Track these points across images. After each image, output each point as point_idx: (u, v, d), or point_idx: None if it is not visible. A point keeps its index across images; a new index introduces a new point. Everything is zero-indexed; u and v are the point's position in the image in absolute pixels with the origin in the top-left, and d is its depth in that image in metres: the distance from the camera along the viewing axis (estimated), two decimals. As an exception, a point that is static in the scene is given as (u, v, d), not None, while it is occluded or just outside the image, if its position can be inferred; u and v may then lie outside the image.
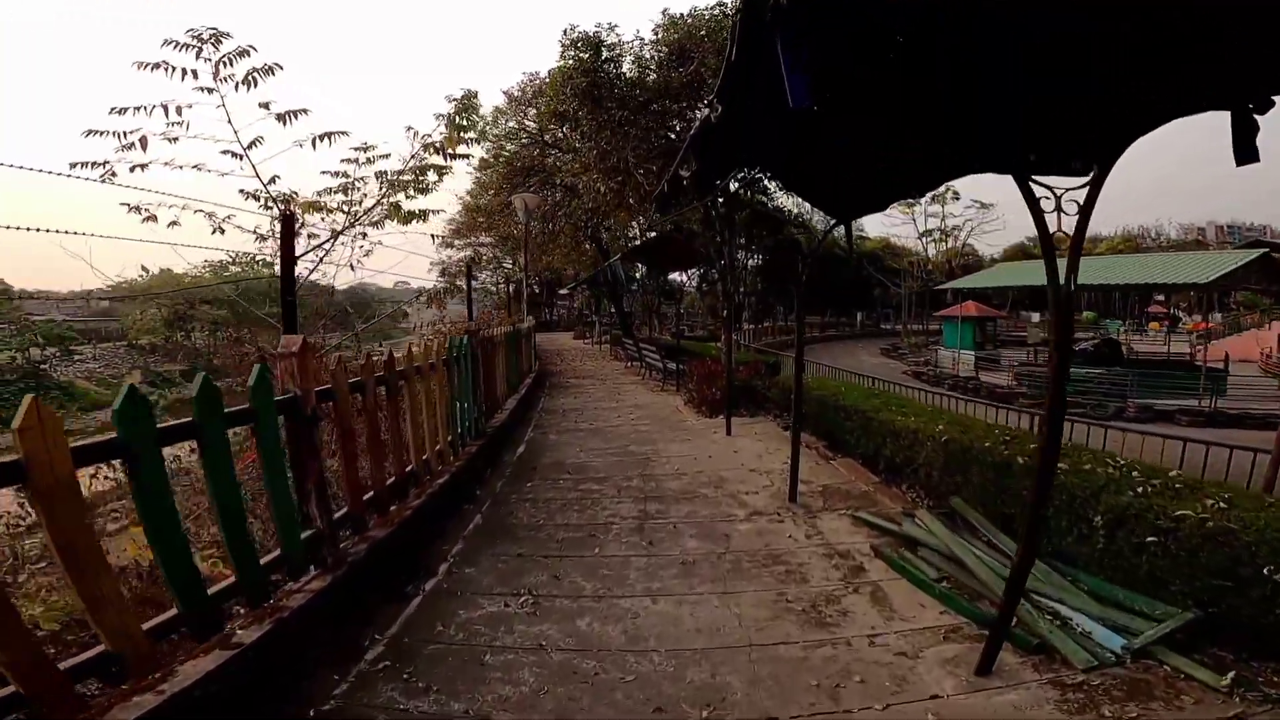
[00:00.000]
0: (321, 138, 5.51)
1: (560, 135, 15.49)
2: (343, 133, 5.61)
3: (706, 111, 3.30)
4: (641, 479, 6.54)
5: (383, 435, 4.41)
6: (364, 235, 6.93)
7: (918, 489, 5.80)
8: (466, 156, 6.89)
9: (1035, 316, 49.09)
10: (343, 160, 6.80)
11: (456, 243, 43.10)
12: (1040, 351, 29.16)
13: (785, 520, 5.40)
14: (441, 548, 4.83)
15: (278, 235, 6.05)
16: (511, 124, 18.61)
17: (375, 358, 4.41)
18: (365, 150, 6.84)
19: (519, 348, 10.73)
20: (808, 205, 12.65)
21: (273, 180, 5.67)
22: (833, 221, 5.65)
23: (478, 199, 19.74)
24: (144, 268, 39.72)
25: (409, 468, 4.76)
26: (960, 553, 4.44)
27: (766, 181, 12.49)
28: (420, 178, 7.09)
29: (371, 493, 4.15)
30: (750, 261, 44.30)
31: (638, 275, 24.96)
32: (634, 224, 14.20)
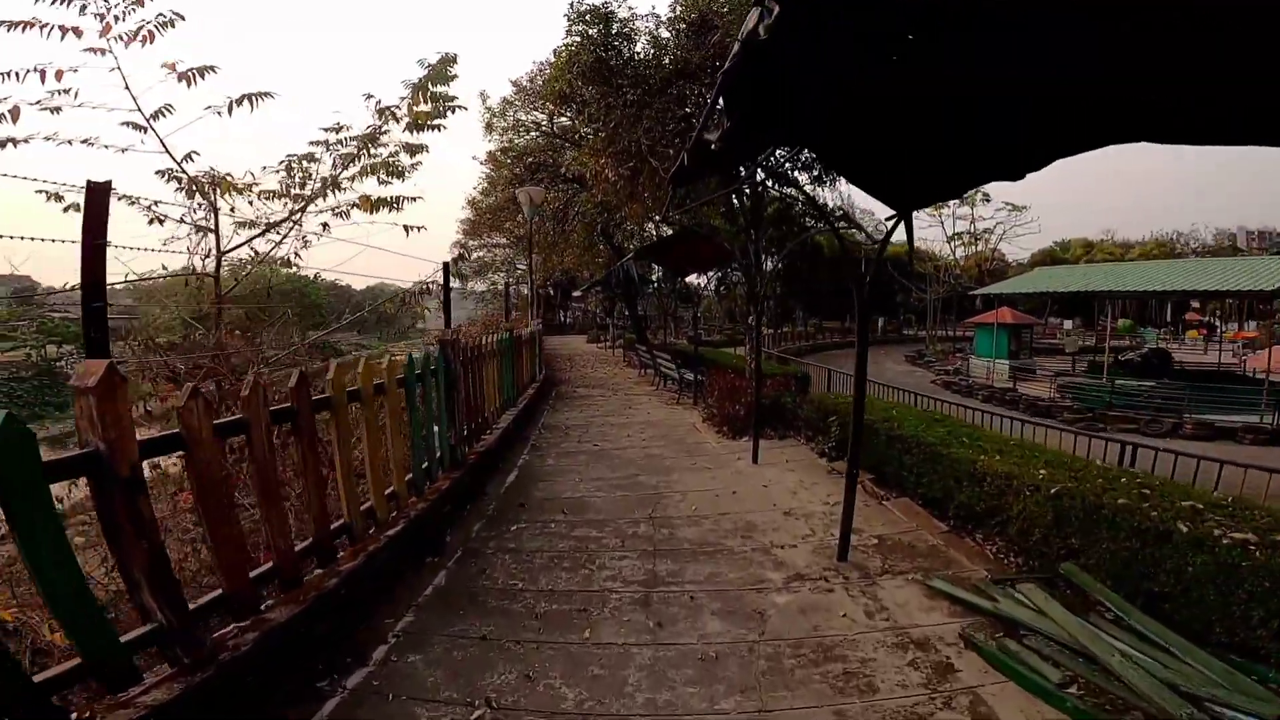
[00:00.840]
0: (240, 101, 4.39)
1: (568, 123, 14.33)
2: (265, 94, 4.49)
3: (752, 23, 2.07)
4: (651, 523, 5.33)
5: (294, 483, 3.25)
6: (325, 226, 5.81)
7: (1006, 545, 4.54)
8: (437, 127, 5.73)
9: (1068, 324, 47.19)
10: (312, 143, 5.74)
11: (471, 244, 42.32)
12: (1080, 360, 27.54)
13: (836, 588, 4.18)
14: (385, 621, 3.68)
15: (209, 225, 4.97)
16: (521, 116, 17.54)
17: (304, 375, 3.25)
18: (337, 131, 5.75)
19: (518, 356, 9.59)
20: (840, 201, 11.45)
21: (188, 158, 4.57)
22: (888, 218, 4.44)
23: (488, 196, 18.67)
24: (164, 266, 40.16)
25: (338, 523, 3.59)
26: (1094, 646, 3.19)
27: (796, 172, 11.24)
28: (392, 159, 5.96)
29: (271, 564, 2.99)
30: (768, 264, 42.94)
31: (654, 278, 23.77)
32: (649, 222, 12.95)
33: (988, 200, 43.30)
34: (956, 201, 43.72)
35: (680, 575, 4.35)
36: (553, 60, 10.48)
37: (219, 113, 4.43)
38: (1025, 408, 19.64)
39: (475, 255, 42.80)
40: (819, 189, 10.97)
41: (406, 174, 6.22)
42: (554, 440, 8.47)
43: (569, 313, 49.77)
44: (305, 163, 5.17)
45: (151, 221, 5.16)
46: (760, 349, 7.37)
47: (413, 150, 5.94)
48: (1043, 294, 30.27)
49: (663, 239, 10.53)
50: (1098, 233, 75.81)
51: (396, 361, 4.17)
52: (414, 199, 6.12)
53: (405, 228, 5.90)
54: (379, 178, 6.03)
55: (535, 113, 17.25)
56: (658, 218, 10.12)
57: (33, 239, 2.96)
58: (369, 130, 5.37)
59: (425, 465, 4.91)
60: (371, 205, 5.85)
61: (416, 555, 4.46)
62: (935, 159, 3.88)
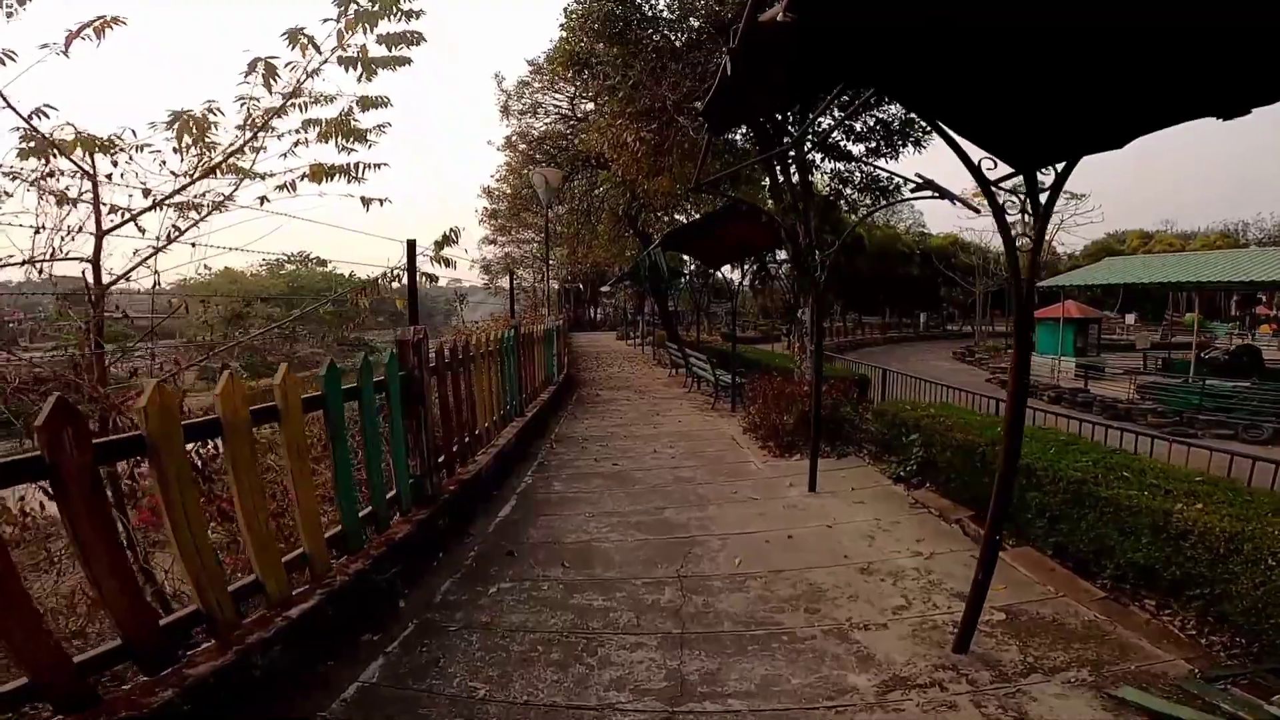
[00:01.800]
0: (81, 31, 3.11)
1: (590, 105, 12.85)
2: (116, 20, 3.20)
3: None
4: (679, 584, 3.91)
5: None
6: (263, 200, 4.52)
7: (1205, 618, 3.02)
8: (399, 62, 4.39)
9: (1131, 318, 44.18)
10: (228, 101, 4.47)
11: (499, 239, 41.31)
12: (1153, 358, 25.16)
13: (962, 702, 2.77)
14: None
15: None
16: (540, 98, 16.21)
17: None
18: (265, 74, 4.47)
19: (526, 358, 8.25)
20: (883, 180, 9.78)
21: (38, 113, 3.30)
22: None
23: (505, 183, 17.36)
24: (206, 265, 40.90)
25: (185, 611, 2.28)
26: None
27: (849, 143, 9.66)
28: (345, 119, 4.65)
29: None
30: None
31: (685, 271, 22.27)
32: (678, 200, 11.43)
33: (975, 211, 40.66)
34: (1006, 189, 41.10)
35: (719, 680, 2.93)
36: (564, 21, 9.09)
37: (58, 52, 3.15)
38: (1101, 410, 17.63)
39: (504, 251, 41.93)
40: (876, 163, 9.39)
41: (370, 137, 4.93)
42: (566, 457, 7.10)
43: (599, 309, 48.58)
44: (210, 115, 3.86)
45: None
46: (821, 348, 5.87)
47: (369, 104, 4.62)
48: (1112, 286, 27.86)
49: (699, 220, 9.08)
50: (1153, 223, 71.66)
51: (293, 379, 2.81)
52: (377, 166, 4.82)
53: (364, 200, 4.59)
54: (338, 143, 4.75)
55: (555, 95, 15.92)
56: (687, 190, 8.56)
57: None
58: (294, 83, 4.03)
59: (369, 510, 3.59)
60: (323, 173, 4.56)
61: (339, 638, 3.13)
62: (1078, 87, 2.47)
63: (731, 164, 8.49)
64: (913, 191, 5.32)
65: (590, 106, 14.36)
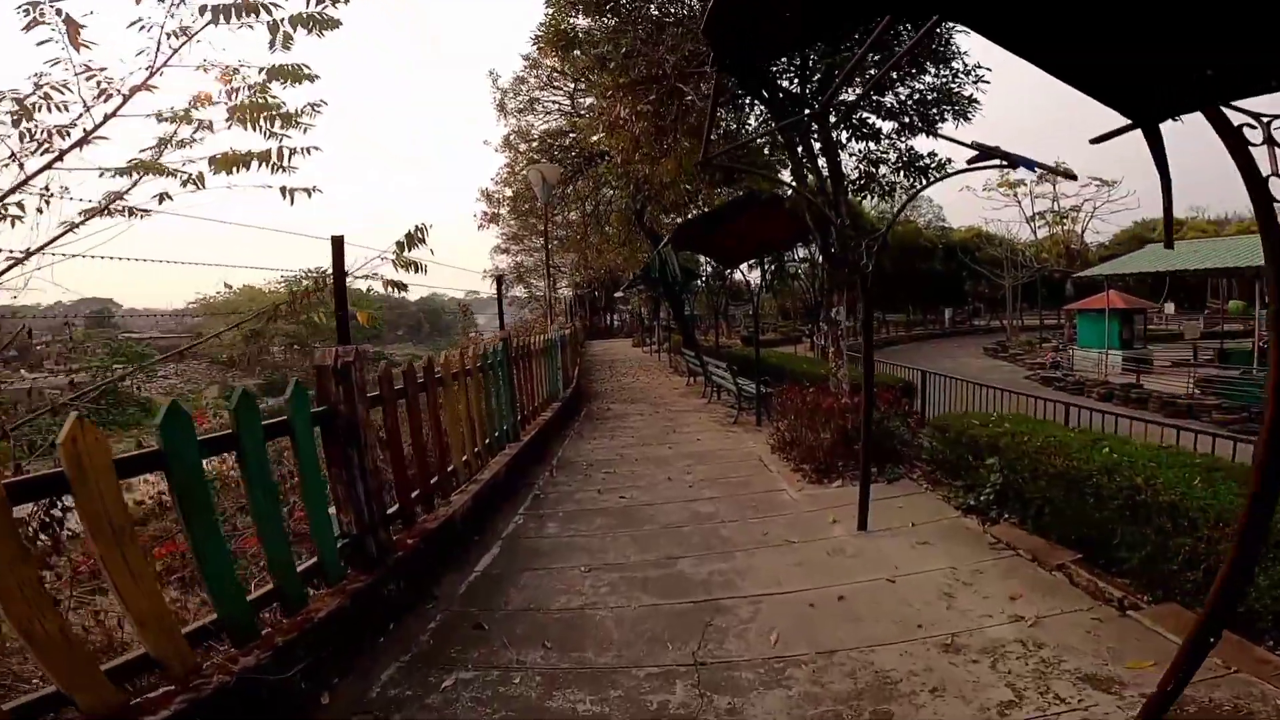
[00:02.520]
0: None
1: (575, 77, 11.78)
2: None
3: None
4: (695, 679, 2.91)
5: None
6: (162, 199, 3.64)
7: None
8: (326, 24, 3.49)
9: (1171, 307, 42.14)
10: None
11: (512, 248, 40.65)
12: (1203, 349, 23.54)
13: None
14: None
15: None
16: (538, 94, 15.30)
17: None
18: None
19: (523, 375, 7.31)
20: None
21: None
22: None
23: (509, 185, 16.44)
24: (226, 284, 41.77)
25: None
26: None
27: (879, 119, 8.59)
28: (261, 98, 3.77)
29: None
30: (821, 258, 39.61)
31: (702, 273, 21.23)
32: (690, 197, 10.38)
33: (1073, 178, 38.92)
34: (1034, 178, 39.60)
35: None
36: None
37: None
38: (1159, 407, 16.25)
39: (516, 260, 41.27)
40: (910, 141, 8.32)
41: (304, 120, 4.05)
42: (567, 488, 6.12)
43: (615, 315, 47.67)
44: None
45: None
46: (871, 353, 4.81)
47: (286, 76, 3.72)
48: (1146, 276, 26.29)
49: (712, 212, 8.09)
50: (1182, 211, 68.80)
51: (93, 431, 1.88)
52: (307, 150, 3.93)
53: (284, 191, 3.71)
54: (262, 129, 3.86)
55: (553, 92, 15.00)
56: (696, 167, 7.51)
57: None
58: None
59: (269, 589, 2.64)
60: (233, 162, 3.67)
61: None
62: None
63: (745, 145, 7.51)
64: (972, 162, 4.29)
65: (591, 101, 13.48)
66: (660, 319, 25.01)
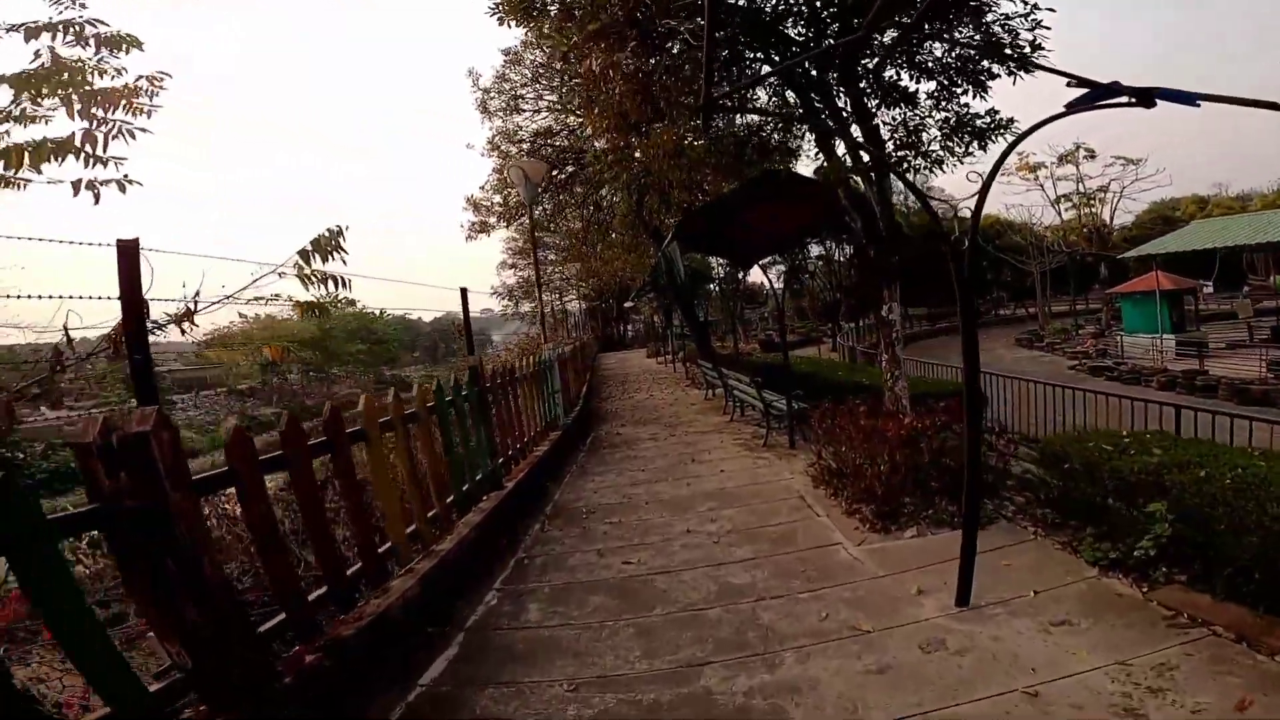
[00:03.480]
0: None
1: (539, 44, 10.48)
2: None
3: None
4: None
5: None
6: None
7: None
8: None
9: (1209, 286, 40.03)
10: None
11: (520, 263, 39.66)
12: (1259, 328, 21.74)
13: None
14: None
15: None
16: (523, 92, 14.08)
17: None
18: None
19: (505, 407, 6.04)
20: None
21: None
22: None
23: (499, 191, 15.20)
24: (241, 314, 41.42)
25: None
26: None
27: (918, 81, 7.25)
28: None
29: None
30: (838, 253, 38.19)
31: (715, 275, 19.92)
32: (697, 182, 9.03)
33: (1093, 156, 37.09)
34: (1055, 160, 37.85)
35: None
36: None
37: None
38: (1230, 394, 14.65)
39: (524, 275, 40.28)
40: (959, 98, 6.98)
41: (144, 102, 2.88)
42: (559, 548, 4.84)
43: (630, 326, 46.52)
44: None
45: None
46: (975, 349, 3.50)
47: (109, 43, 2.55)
48: (1182, 255, 24.54)
49: (720, 200, 6.82)
50: (1204, 188, 66.03)
51: None
52: (130, 134, 2.76)
53: (87, 186, 2.55)
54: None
55: (541, 88, 13.75)
56: (697, 113, 6.17)
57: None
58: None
59: None
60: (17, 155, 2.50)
61: None
62: None
63: (758, 82, 6.19)
64: (1076, 106, 3.00)
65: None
66: (674, 327, 23.75)
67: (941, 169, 6.82)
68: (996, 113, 6.59)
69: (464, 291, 5.52)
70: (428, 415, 4.18)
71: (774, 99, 8.25)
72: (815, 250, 37.02)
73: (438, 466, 4.27)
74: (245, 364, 40.88)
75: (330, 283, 3.84)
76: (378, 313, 45.76)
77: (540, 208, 15.50)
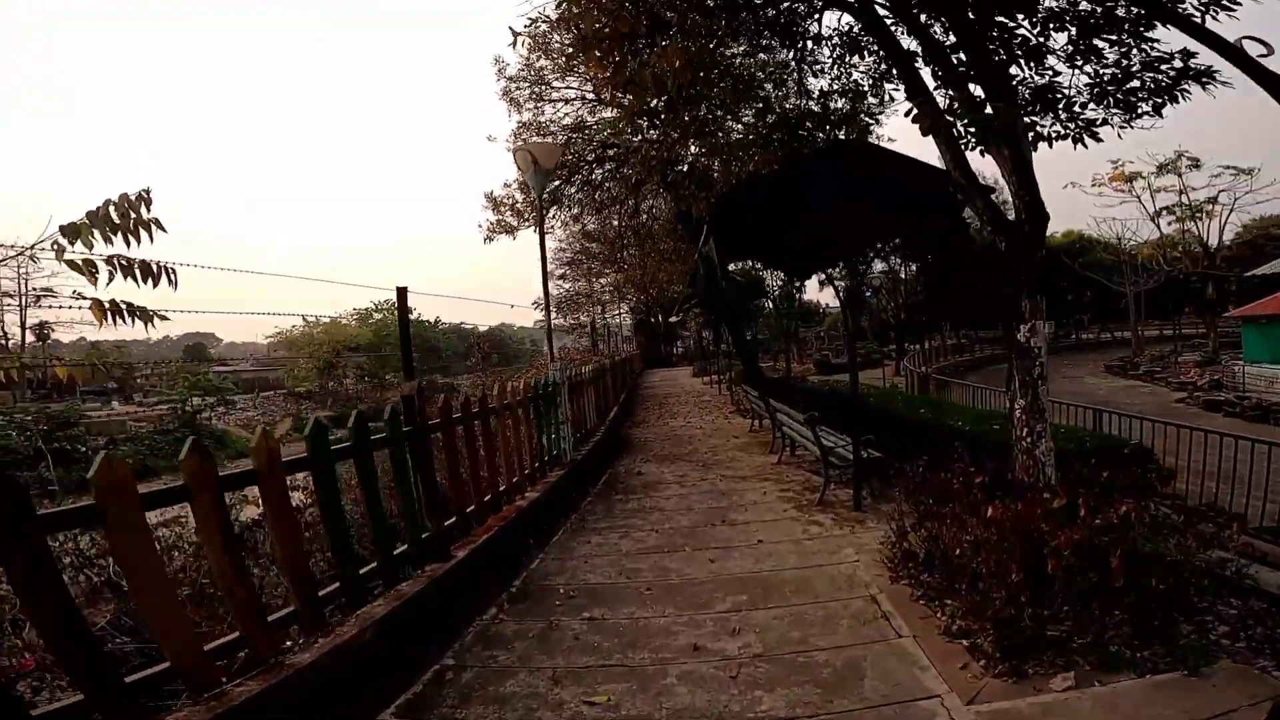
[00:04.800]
0: None
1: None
2: None
3: None
4: None
5: None
6: None
7: None
8: None
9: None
10: None
11: (568, 272, 38.69)
12: None
13: None
14: None
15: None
16: (552, 80, 12.66)
17: None
18: None
19: (471, 448, 4.55)
20: None
21: None
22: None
23: (522, 191, 13.85)
24: (303, 318, 42.42)
25: None
26: None
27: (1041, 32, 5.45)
28: None
29: None
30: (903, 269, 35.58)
31: (770, 290, 18.08)
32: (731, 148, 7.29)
33: (1197, 166, 33.37)
34: (1154, 170, 34.29)
35: None
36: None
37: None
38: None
39: (572, 286, 39.29)
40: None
41: None
42: (504, 658, 3.27)
43: (680, 342, 44.88)
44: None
45: None
46: None
47: None
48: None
49: (776, 174, 5.20)
50: None
51: None
52: None
53: None
54: None
55: (569, 84, 12.38)
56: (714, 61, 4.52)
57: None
58: None
59: None
60: None
61: None
62: None
63: None
64: None
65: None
66: (724, 345, 21.99)
67: (1094, 137, 4.92)
68: (1192, 54, 4.63)
69: (401, 293, 4.07)
70: (277, 477, 2.72)
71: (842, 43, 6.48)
72: (879, 264, 34.72)
73: (295, 557, 2.80)
74: (304, 367, 41.57)
75: (139, 273, 2.46)
76: (432, 321, 45.77)
77: (569, 209, 14.19)
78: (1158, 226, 33.07)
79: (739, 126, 7.88)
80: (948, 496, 3.69)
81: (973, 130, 4.76)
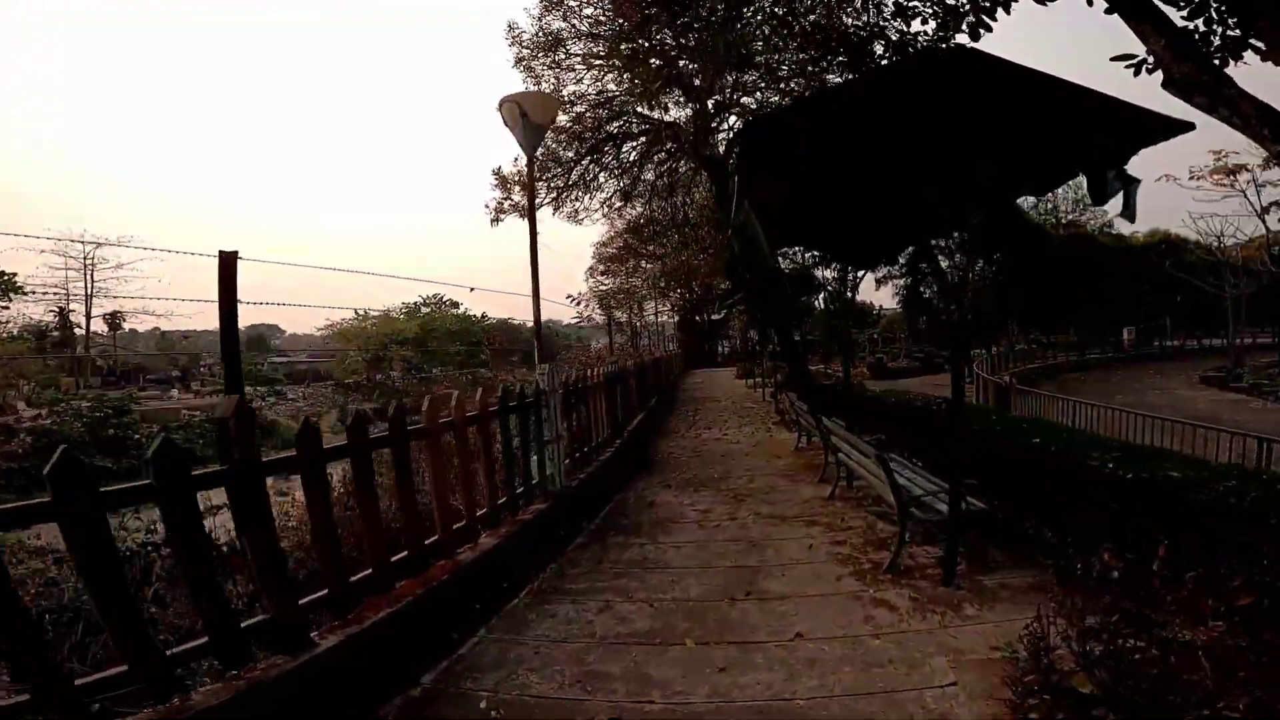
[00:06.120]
0: None
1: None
2: None
3: None
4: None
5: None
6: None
7: None
8: None
9: None
10: None
11: (613, 268, 37.39)
12: None
13: None
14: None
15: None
16: (572, 49, 11.12)
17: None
18: None
19: (363, 499, 3.18)
20: None
21: None
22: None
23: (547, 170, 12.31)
24: (356, 311, 43.18)
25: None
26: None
27: None
28: None
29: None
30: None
31: (825, 280, 16.19)
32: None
33: None
34: (1260, 164, 30.66)
35: None
36: None
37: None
38: None
39: (613, 283, 37.97)
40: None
41: None
42: None
43: (725, 341, 43.05)
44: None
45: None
46: None
47: None
48: None
49: (829, 92, 3.63)
50: None
51: None
52: None
53: None
54: None
55: (595, 54, 10.81)
56: None
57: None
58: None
59: None
60: None
61: None
62: None
63: None
64: None
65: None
66: (770, 345, 20.17)
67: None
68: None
69: (227, 260, 2.62)
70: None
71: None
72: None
73: None
74: (354, 359, 41.99)
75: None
76: (479, 316, 45.43)
77: (596, 192, 12.69)
78: (1264, 223, 29.56)
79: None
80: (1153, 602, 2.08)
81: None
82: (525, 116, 5.61)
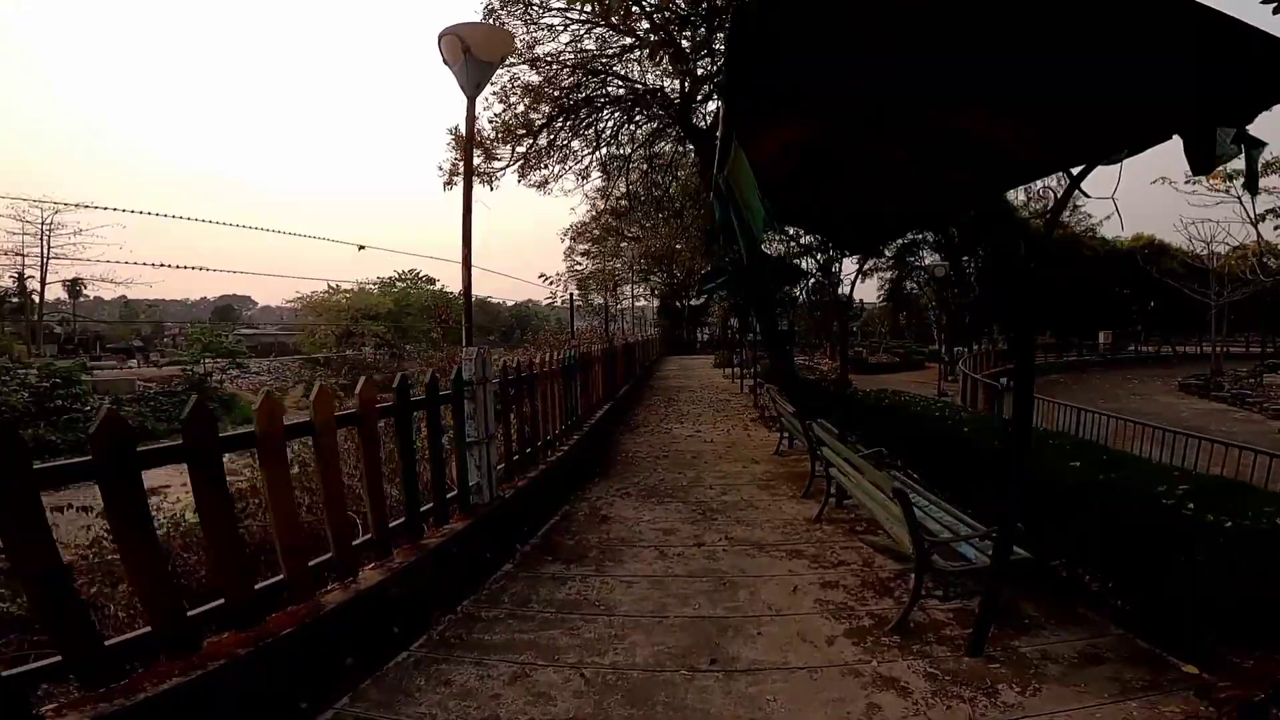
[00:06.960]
0: None
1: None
2: None
3: None
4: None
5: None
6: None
7: None
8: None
9: None
10: None
11: (592, 250, 36.24)
12: None
13: None
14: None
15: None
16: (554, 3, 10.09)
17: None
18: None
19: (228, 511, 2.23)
20: None
21: None
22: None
23: (506, 126, 11.06)
24: (329, 285, 41.87)
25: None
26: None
27: None
28: None
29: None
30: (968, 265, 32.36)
31: (809, 263, 15.21)
32: None
33: None
34: (1260, 166, 30.24)
35: None
36: None
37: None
38: None
39: (584, 264, 36.86)
40: None
41: None
42: None
43: (704, 328, 42.20)
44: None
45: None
46: None
47: None
48: None
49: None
50: None
51: None
52: None
53: None
54: None
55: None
56: None
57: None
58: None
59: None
60: None
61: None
62: None
63: None
64: None
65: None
66: (751, 334, 19.19)
67: None
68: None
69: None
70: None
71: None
72: (932, 256, 31.52)
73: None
74: (323, 333, 40.53)
75: None
76: (456, 294, 44.00)
77: (573, 162, 11.60)
78: (1258, 231, 29.25)
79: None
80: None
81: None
82: (468, 52, 4.55)
